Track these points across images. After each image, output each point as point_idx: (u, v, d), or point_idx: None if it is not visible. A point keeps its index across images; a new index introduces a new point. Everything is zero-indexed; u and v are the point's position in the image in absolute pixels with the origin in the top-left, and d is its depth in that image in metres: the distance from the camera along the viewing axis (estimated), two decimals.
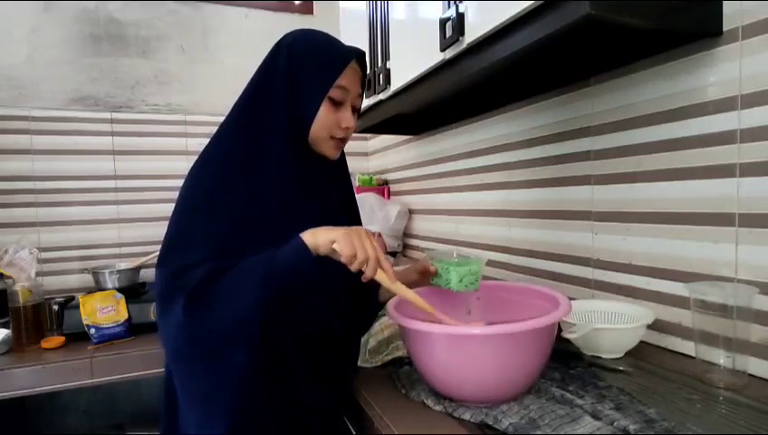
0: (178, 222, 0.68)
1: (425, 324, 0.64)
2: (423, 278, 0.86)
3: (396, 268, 0.75)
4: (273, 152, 0.72)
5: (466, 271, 0.80)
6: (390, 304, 0.73)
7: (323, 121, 0.72)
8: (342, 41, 0.77)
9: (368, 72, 0.80)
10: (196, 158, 0.73)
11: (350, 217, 0.87)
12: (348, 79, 0.73)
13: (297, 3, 2.10)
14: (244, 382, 0.63)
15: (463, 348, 0.62)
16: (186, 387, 0.66)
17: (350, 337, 0.80)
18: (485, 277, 0.97)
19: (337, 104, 0.73)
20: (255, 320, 0.61)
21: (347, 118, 0.74)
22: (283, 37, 0.76)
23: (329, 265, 0.64)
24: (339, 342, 0.76)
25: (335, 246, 0.62)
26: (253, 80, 0.76)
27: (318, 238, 0.63)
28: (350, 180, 0.88)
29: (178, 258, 0.64)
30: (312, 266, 0.63)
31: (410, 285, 0.87)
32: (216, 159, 0.72)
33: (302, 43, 0.74)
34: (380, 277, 0.66)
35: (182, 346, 0.63)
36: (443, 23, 0.92)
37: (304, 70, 0.72)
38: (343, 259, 0.63)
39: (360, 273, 0.64)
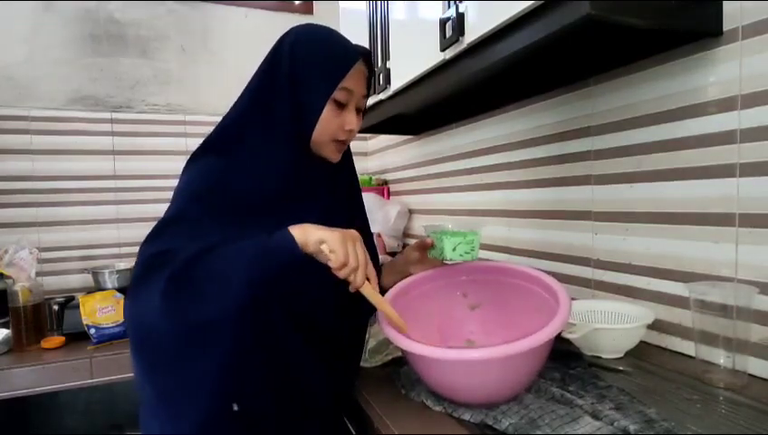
0: (176, 209, 0.66)
1: (424, 347, 0.60)
2: (423, 254, 0.85)
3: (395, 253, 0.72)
4: (275, 154, 0.70)
5: (460, 239, 0.79)
6: (384, 323, 0.69)
7: (326, 125, 0.70)
8: None
9: (375, 70, 0.78)
10: None
11: (352, 217, 0.86)
12: (353, 80, 0.71)
13: (297, 3, 2.10)
14: (223, 375, 0.58)
15: (461, 368, 0.61)
16: (151, 379, 0.61)
17: (351, 329, 0.78)
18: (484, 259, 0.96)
19: (341, 106, 0.71)
20: (244, 302, 0.57)
21: (351, 120, 0.72)
22: (285, 35, 0.73)
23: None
24: (338, 334, 0.75)
25: (323, 247, 0.58)
26: (254, 79, 0.74)
27: (308, 235, 0.59)
28: (356, 180, 0.86)
29: (165, 241, 0.61)
30: (301, 261, 0.59)
31: (412, 264, 0.86)
32: (216, 156, 0.70)
33: (305, 43, 0.71)
34: (367, 291, 0.62)
35: (153, 332, 0.56)
36: (443, 23, 0.92)
37: (307, 71, 0.69)
38: (332, 263, 0.59)
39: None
